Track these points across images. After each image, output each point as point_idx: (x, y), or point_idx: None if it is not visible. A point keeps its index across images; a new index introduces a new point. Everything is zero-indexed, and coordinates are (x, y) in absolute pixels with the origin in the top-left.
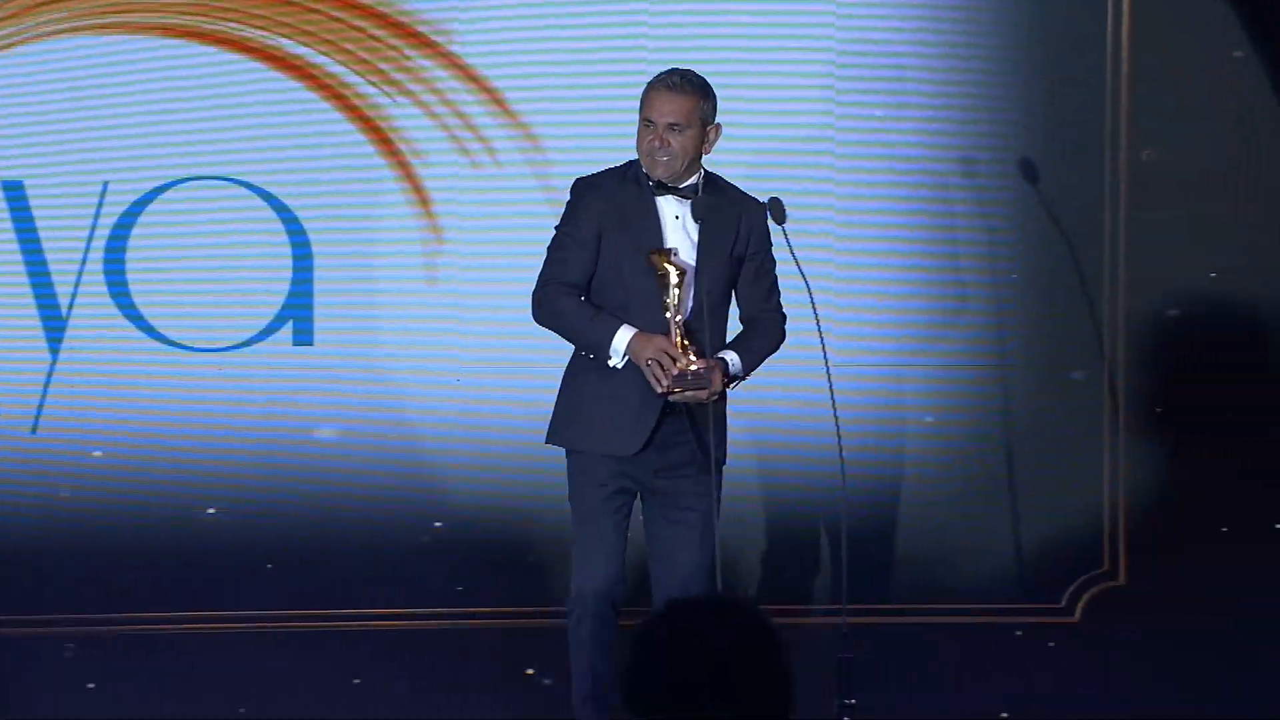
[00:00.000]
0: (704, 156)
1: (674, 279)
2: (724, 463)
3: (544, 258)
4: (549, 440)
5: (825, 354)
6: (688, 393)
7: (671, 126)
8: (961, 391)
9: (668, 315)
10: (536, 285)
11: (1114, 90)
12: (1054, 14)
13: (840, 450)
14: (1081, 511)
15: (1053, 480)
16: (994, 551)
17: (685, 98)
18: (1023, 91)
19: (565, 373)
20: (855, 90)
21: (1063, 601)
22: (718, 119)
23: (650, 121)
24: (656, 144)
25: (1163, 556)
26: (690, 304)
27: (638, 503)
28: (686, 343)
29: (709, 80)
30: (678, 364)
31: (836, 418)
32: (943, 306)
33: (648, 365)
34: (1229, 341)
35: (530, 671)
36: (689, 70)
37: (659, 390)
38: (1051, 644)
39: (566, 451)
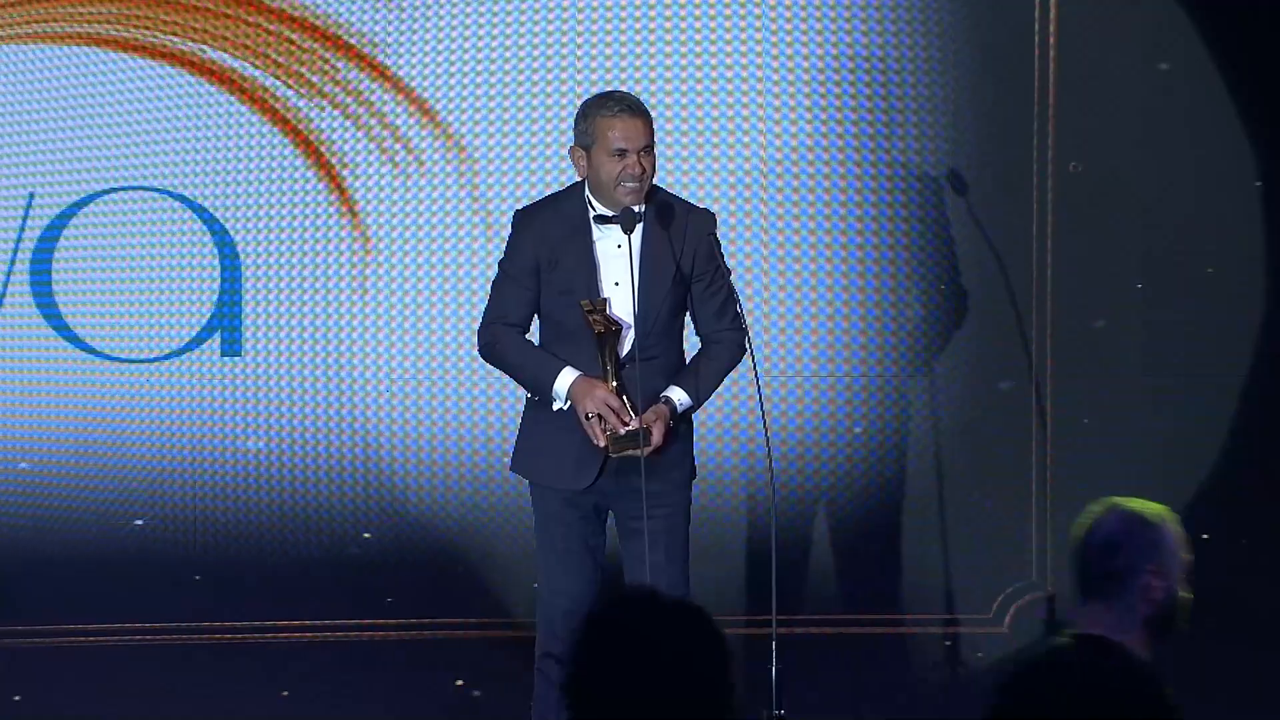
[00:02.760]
0: None
1: (609, 337)
2: (694, 477)
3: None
4: (512, 469)
5: (755, 364)
6: (626, 451)
7: (644, 150)
8: (890, 402)
9: (606, 371)
10: (480, 325)
11: (1041, 103)
12: (982, 27)
13: (769, 460)
14: (1009, 521)
15: (980, 490)
16: (922, 561)
17: (646, 119)
18: (951, 104)
19: (525, 403)
20: (786, 103)
21: (991, 611)
22: None
23: (623, 150)
24: (636, 171)
25: None
26: (634, 334)
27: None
28: (624, 397)
29: (640, 95)
30: (621, 420)
31: (766, 427)
32: (871, 317)
33: (587, 419)
34: (1155, 353)
35: (460, 682)
36: (624, 91)
37: (598, 445)
38: (980, 654)
39: (529, 481)
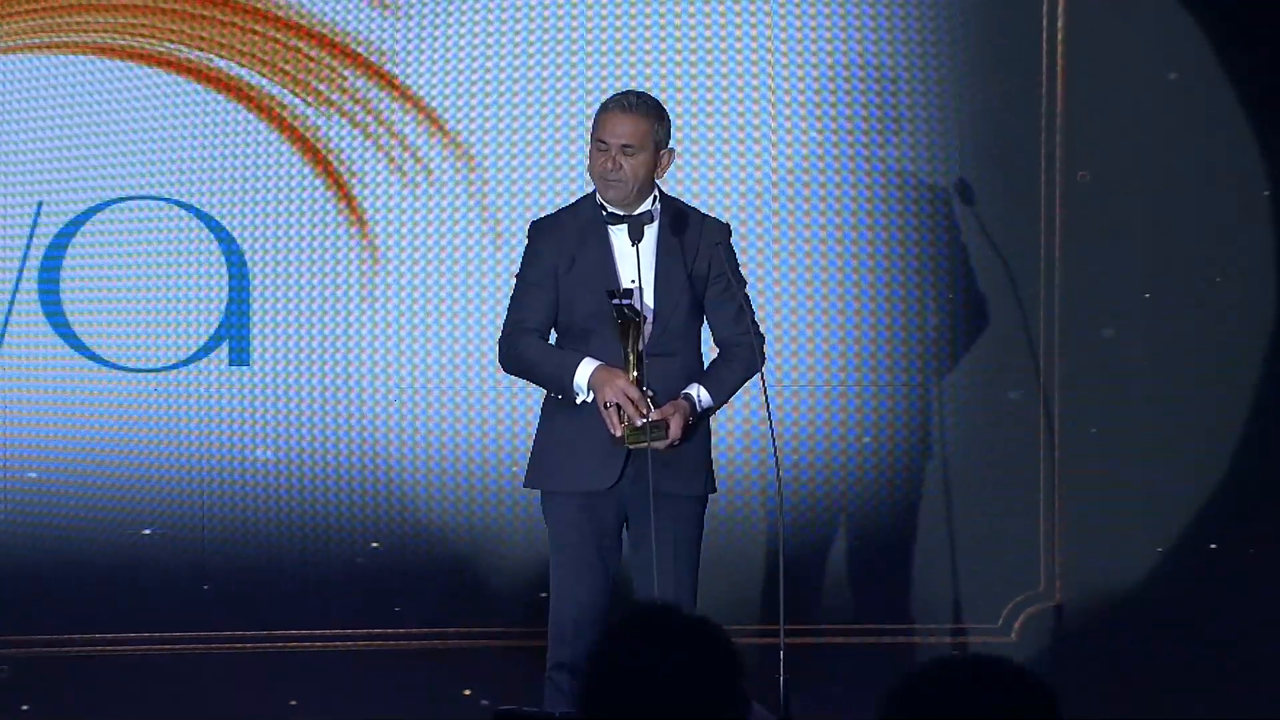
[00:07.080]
0: (657, 180)
1: (632, 326)
2: (713, 491)
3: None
4: (526, 484)
5: (763, 375)
6: (644, 443)
7: (624, 148)
8: (899, 411)
9: (629, 361)
10: (500, 335)
11: (1049, 112)
12: (990, 36)
13: (778, 470)
14: (1017, 531)
15: (989, 500)
16: (930, 571)
17: (639, 119)
18: (959, 113)
19: (540, 415)
20: (794, 112)
21: (999, 621)
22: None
23: (604, 143)
24: (609, 166)
25: (1098, 576)
26: (651, 331)
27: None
28: (645, 389)
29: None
30: (639, 410)
31: (774, 438)
32: (880, 326)
33: (606, 407)
34: (1164, 362)
35: (468, 692)
36: (645, 93)
37: (615, 434)
38: None
39: (541, 494)
